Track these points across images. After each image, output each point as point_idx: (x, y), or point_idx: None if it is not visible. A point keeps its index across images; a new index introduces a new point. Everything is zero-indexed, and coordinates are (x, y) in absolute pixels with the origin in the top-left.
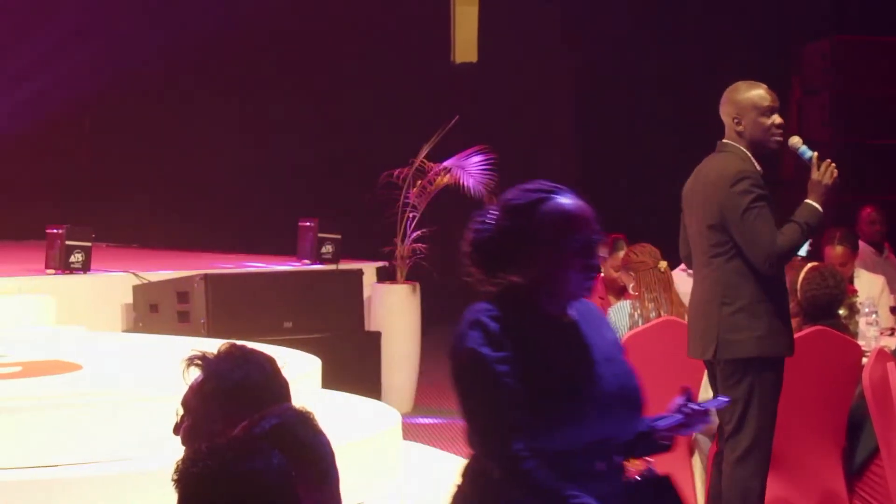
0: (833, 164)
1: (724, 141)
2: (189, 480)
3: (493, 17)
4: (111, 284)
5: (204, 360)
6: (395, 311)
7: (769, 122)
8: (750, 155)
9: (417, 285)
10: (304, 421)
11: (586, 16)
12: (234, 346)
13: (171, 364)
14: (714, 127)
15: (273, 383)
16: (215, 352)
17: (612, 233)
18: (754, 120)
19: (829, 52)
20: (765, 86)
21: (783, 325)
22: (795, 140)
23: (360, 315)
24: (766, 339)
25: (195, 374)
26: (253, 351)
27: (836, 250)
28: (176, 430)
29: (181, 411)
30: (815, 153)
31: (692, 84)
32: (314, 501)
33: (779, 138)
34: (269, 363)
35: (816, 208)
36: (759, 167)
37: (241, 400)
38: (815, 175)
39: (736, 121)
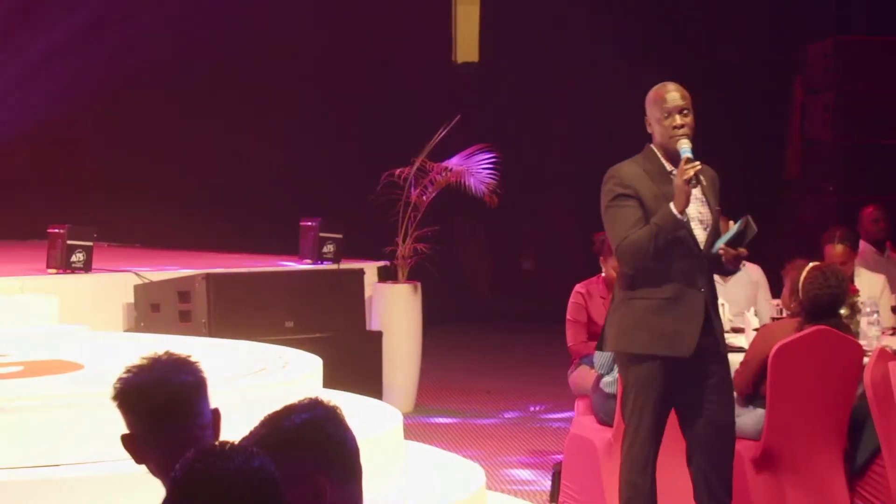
0: (695, 167)
1: (648, 144)
2: (174, 484)
3: (495, 17)
4: (113, 284)
5: (120, 383)
6: (396, 311)
7: (668, 122)
8: (660, 154)
9: (419, 285)
10: (333, 416)
11: (587, 14)
12: (148, 358)
13: None
14: (710, 127)
15: (178, 378)
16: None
17: None
18: (657, 120)
19: (832, 52)
20: (675, 87)
21: (650, 321)
22: (684, 142)
23: (362, 315)
24: (623, 336)
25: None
26: (157, 357)
27: (837, 249)
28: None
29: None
30: (687, 156)
31: (695, 83)
32: (341, 498)
33: (679, 139)
34: (180, 358)
35: (669, 209)
36: (669, 166)
37: (154, 400)
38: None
39: (646, 120)
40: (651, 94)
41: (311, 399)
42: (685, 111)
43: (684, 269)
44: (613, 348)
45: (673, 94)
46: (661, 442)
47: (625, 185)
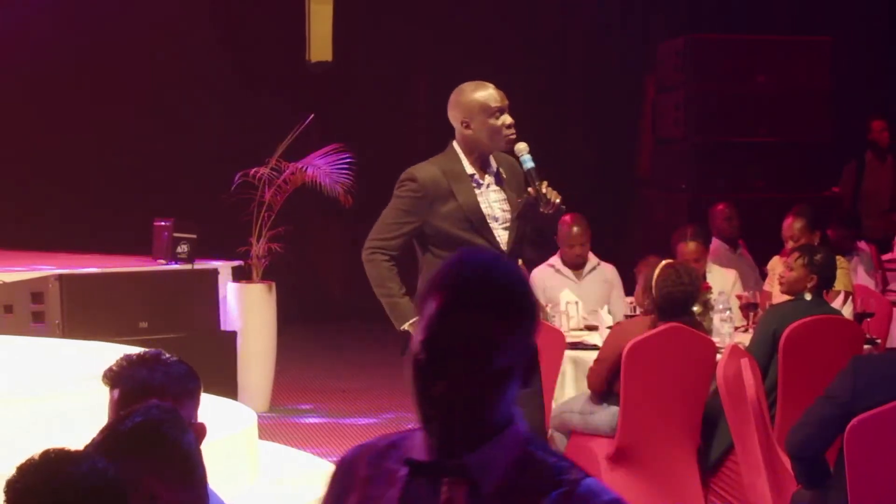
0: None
1: (452, 142)
2: (10, 489)
3: (349, 16)
4: None
5: (116, 370)
6: (250, 311)
7: (499, 123)
8: (464, 156)
9: (273, 284)
10: (170, 419)
11: (439, 13)
12: (145, 352)
13: (28, 366)
14: (561, 125)
15: (180, 383)
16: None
17: None
18: (483, 122)
19: (683, 50)
20: (492, 85)
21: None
22: (522, 146)
23: (216, 315)
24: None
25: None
26: (164, 356)
27: (689, 246)
28: None
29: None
30: (533, 166)
31: (547, 81)
32: (179, 501)
33: (511, 138)
34: (179, 361)
35: (409, 314)
36: (471, 168)
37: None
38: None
39: (465, 124)
40: (470, 94)
41: (148, 403)
42: (506, 109)
43: None
44: None
45: (495, 92)
46: None
47: (417, 193)
